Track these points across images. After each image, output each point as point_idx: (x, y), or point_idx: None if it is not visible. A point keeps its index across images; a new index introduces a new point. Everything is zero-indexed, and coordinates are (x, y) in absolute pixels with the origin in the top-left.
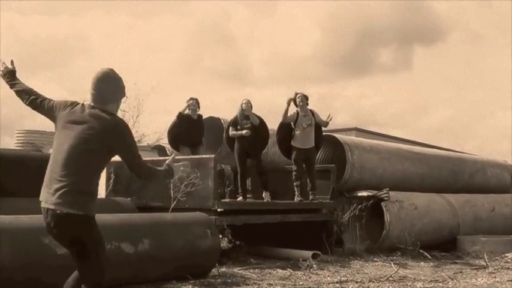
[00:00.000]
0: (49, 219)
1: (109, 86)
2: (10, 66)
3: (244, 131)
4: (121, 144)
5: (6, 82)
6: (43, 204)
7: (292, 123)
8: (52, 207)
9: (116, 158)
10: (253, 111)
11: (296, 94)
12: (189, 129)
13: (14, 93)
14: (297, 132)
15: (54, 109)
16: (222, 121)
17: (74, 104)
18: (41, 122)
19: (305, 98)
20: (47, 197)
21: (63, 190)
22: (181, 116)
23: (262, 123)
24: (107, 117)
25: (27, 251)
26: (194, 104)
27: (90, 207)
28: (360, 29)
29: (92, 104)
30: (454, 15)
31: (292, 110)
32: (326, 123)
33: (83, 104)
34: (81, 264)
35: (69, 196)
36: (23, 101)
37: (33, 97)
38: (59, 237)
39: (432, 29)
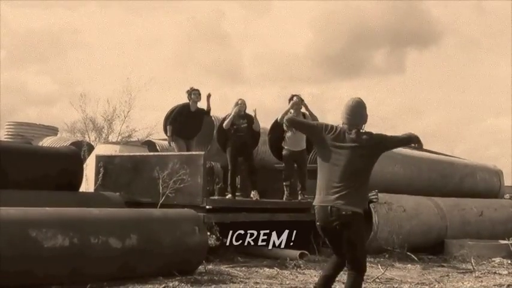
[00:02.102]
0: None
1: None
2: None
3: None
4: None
5: None
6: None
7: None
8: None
9: (105, 151)
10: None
11: (292, 96)
12: (189, 121)
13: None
14: (289, 135)
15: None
16: (213, 118)
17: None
18: (31, 115)
19: (300, 102)
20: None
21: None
22: (185, 107)
23: (255, 121)
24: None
25: (13, 243)
26: (197, 94)
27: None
28: (353, 30)
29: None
30: (449, 20)
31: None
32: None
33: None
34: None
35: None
36: None
37: None
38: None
39: (426, 33)
